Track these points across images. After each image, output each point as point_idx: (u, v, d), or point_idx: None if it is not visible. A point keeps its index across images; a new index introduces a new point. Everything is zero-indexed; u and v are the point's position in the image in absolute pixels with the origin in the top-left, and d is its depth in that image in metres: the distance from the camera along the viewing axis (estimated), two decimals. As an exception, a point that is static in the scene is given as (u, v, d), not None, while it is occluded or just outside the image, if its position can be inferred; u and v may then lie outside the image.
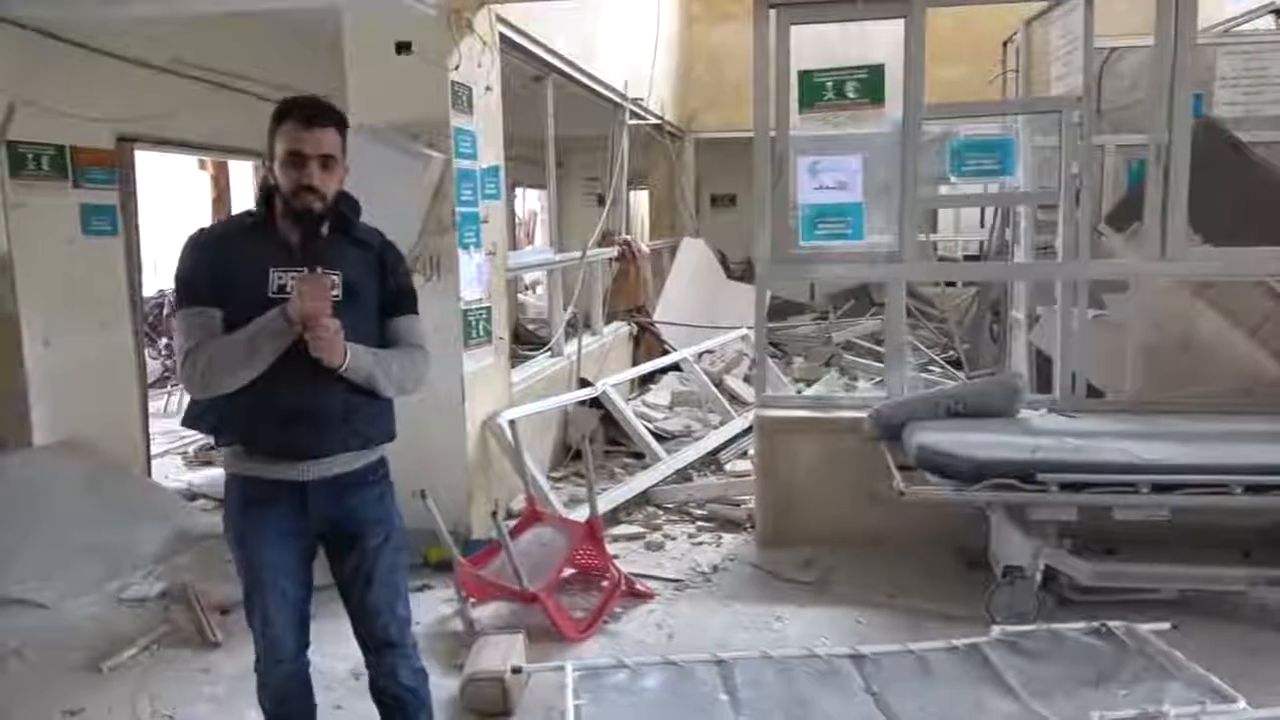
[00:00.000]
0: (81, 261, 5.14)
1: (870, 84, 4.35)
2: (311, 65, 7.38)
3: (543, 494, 4.37)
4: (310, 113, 2.14)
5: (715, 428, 6.49)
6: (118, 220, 5.39)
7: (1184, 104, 4.06)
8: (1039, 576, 3.51)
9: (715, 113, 11.07)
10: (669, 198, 11.11)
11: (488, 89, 4.57)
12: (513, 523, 4.07)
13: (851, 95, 4.37)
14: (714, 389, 6.59)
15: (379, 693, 2.43)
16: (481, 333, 4.58)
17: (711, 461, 5.82)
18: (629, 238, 8.01)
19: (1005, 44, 5.91)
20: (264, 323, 2.08)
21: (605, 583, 3.90)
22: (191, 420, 2.40)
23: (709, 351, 7.89)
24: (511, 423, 4.13)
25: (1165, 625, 3.02)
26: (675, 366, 7.99)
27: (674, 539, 4.62)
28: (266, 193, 2.23)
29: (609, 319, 7.68)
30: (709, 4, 11.16)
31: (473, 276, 4.45)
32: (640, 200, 13.08)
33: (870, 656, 3.01)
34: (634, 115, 7.96)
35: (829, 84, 4.39)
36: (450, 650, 3.49)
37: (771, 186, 4.45)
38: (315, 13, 4.36)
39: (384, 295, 2.29)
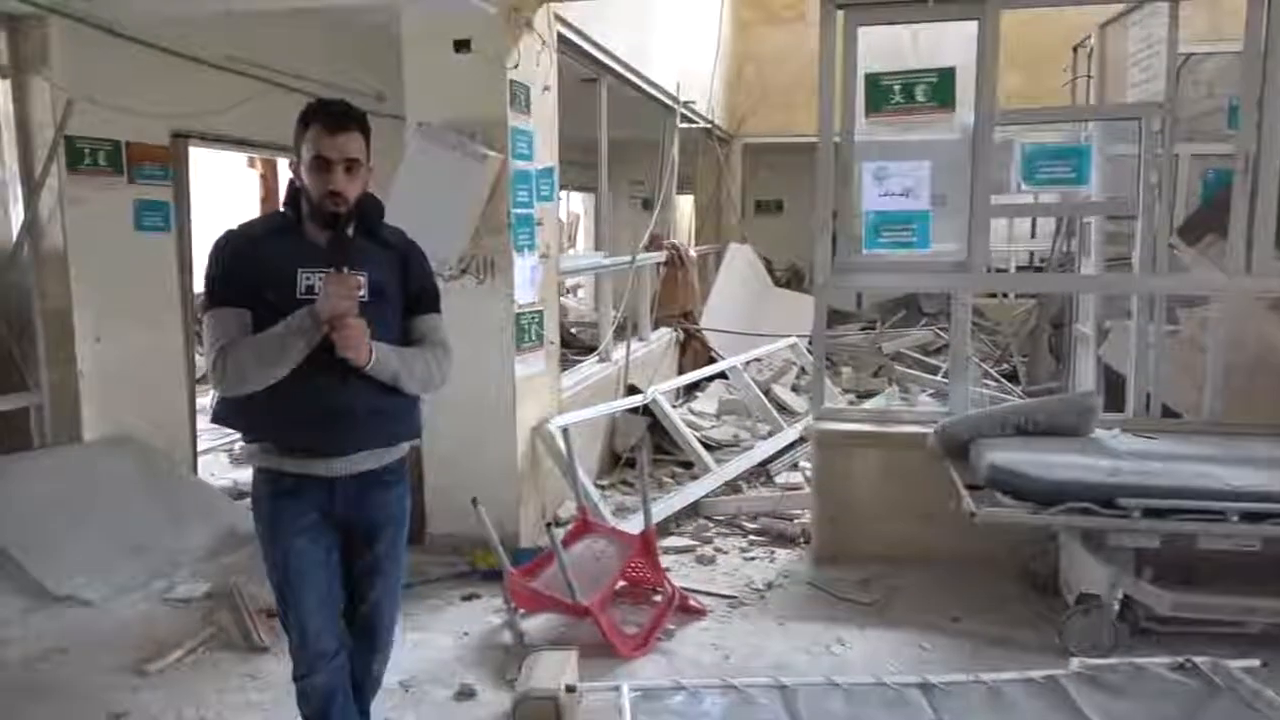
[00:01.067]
0: (134, 258, 5.13)
1: (940, 87, 4.20)
2: (365, 63, 7.39)
3: (593, 504, 4.26)
4: (335, 118, 2.17)
5: (764, 438, 6.35)
6: (170, 217, 5.38)
7: (1275, 111, 3.87)
8: (1116, 606, 3.34)
9: (763, 117, 10.94)
10: (714, 202, 10.99)
11: (546, 89, 4.49)
12: (562, 532, 3.96)
13: (921, 99, 4.22)
14: (764, 399, 6.44)
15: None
16: (534, 337, 4.49)
17: (761, 473, 5.68)
18: (677, 242, 7.90)
19: (1075, 49, 5.72)
20: (293, 322, 2.11)
21: (658, 598, 3.79)
22: (221, 417, 2.36)
23: (755, 360, 7.75)
24: (565, 430, 4.03)
25: (1255, 662, 2.85)
26: (721, 374, 7.88)
27: (725, 553, 4.49)
28: (294, 194, 2.27)
29: (655, 325, 7.57)
30: (760, 7, 11.04)
31: (526, 279, 4.36)
32: (684, 205, 12.97)
33: (941, 686, 2.86)
34: (684, 119, 7.86)
35: (897, 87, 4.24)
36: (499, 663, 3.40)
37: (835, 192, 4.30)
38: (373, 10, 4.30)
39: (408, 295, 2.33)
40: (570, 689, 2.84)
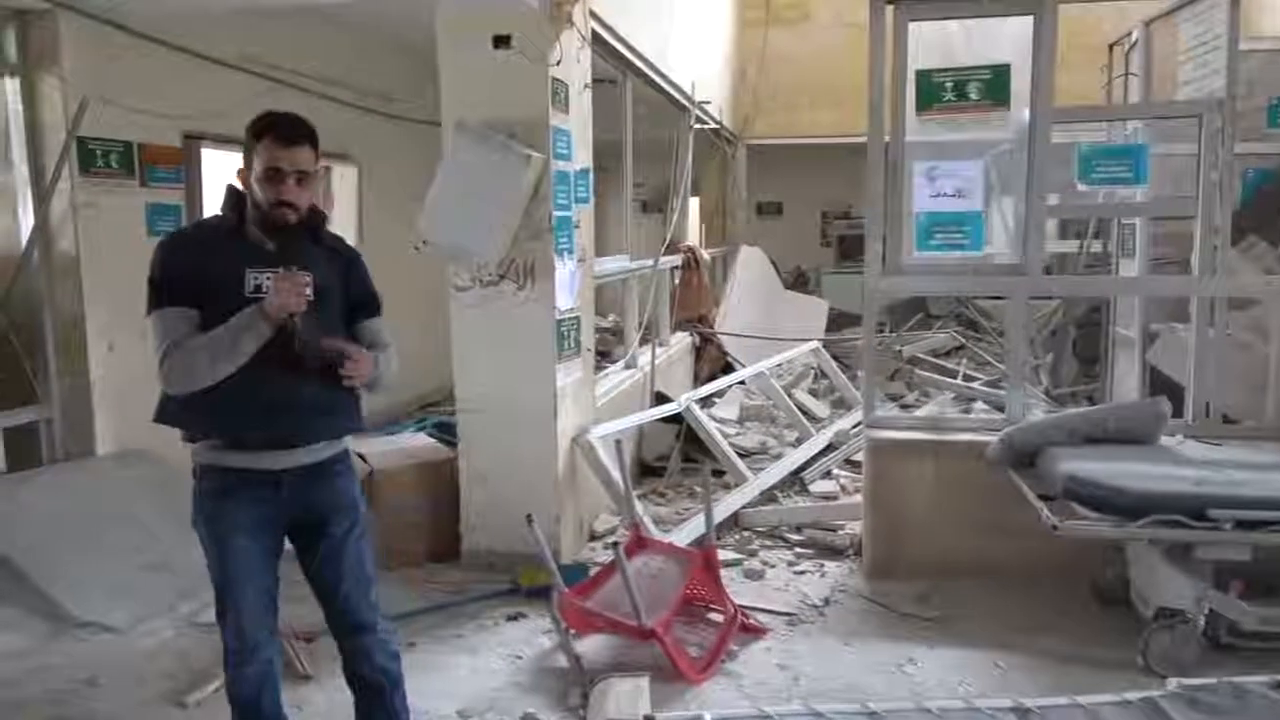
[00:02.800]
0: (146, 264, 4.89)
1: (995, 84, 4.07)
2: (374, 64, 7.22)
3: (640, 518, 4.09)
4: (288, 132, 2.27)
5: (792, 445, 6.21)
6: (183, 221, 5.17)
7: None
8: (1202, 621, 3.21)
9: (767, 119, 10.81)
10: (720, 205, 10.85)
11: (586, 86, 4.33)
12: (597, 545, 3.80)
13: (974, 96, 4.09)
14: (793, 406, 6.29)
15: (353, 677, 2.51)
16: (572, 344, 4.32)
17: (793, 481, 5.53)
18: (692, 245, 7.74)
19: (1112, 47, 5.62)
20: (243, 319, 2.18)
21: (712, 615, 3.64)
22: (167, 416, 2.34)
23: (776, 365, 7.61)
24: (617, 442, 3.86)
25: (1358, 681, 2.72)
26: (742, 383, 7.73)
27: (773, 566, 4.34)
28: (236, 199, 2.34)
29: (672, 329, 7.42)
30: (763, 7, 10.91)
31: (566, 284, 4.19)
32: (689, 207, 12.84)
33: (1036, 710, 2.70)
34: (697, 120, 7.71)
35: (949, 84, 4.11)
36: (559, 689, 3.23)
37: (885, 193, 4.17)
38: (407, 3, 4.13)
39: (351, 298, 2.45)
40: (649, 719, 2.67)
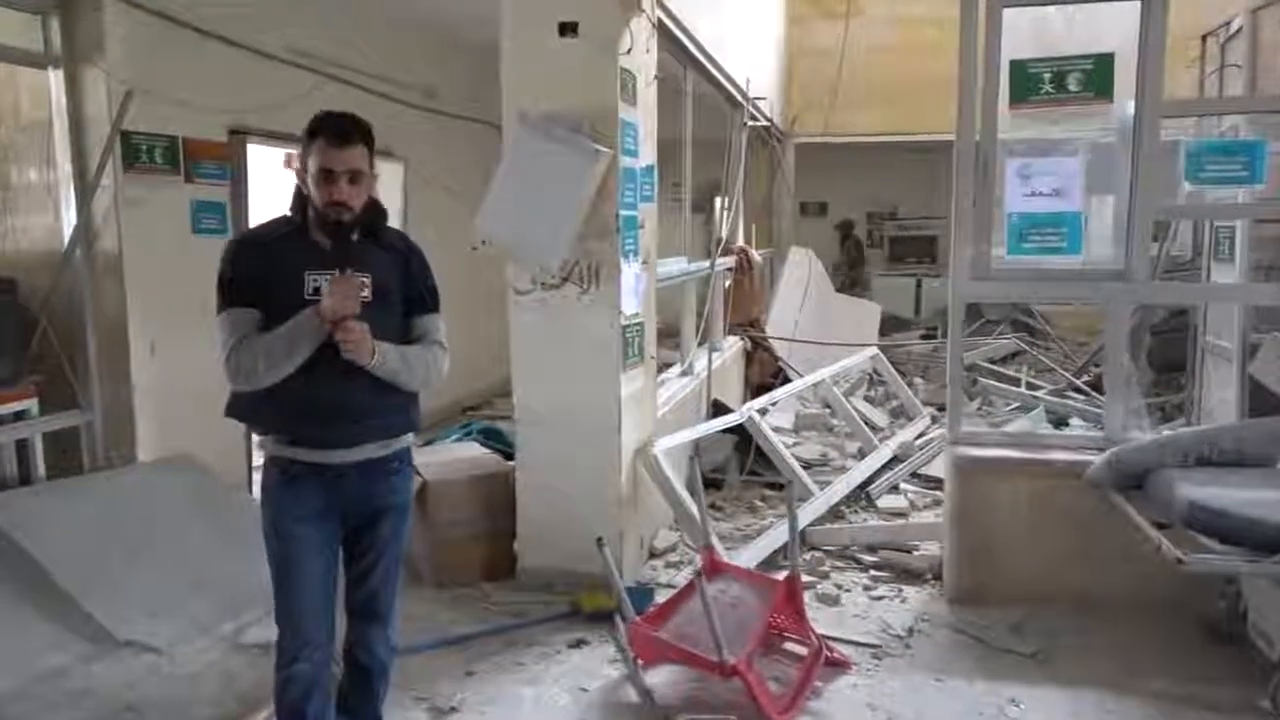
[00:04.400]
0: (190, 263, 4.72)
1: (1097, 75, 3.77)
2: (421, 58, 7.03)
3: (714, 540, 3.82)
4: (340, 132, 2.28)
5: (854, 456, 5.93)
6: (228, 219, 5.00)
7: None
8: (1341, 665, 2.91)
9: (815, 116, 10.51)
10: (767, 204, 10.56)
11: (658, 78, 4.08)
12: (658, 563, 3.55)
13: (1074, 89, 3.79)
14: (857, 417, 6.00)
15: (350, 656, 2.57)
16: (636, 351, 4.08)
17: (858, 495, 5.25)
18: (745, 246, 7.47)
19: (1205, 38, 5.28)
20: (299, 320, 2.23)
21: (790, 645, 3.37)
22: (234, 411, 2.43)
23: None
24: (693, 456, 3.60)
25: None
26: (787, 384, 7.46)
27: (847, 590, 4.07)
28: (300, 200, 2.38)
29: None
30: (815, 2, 10.61)
31: (631, 288, 3.95)
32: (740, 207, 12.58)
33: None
34: (750, 116, 7.43)
35: (1047, 75, 3.81)
36: (632, 728, 2.98)
37: (975, 192, 3.88)
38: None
39: (410, 295, 2.46)
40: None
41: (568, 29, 3.70)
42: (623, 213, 3.84)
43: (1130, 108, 3.78)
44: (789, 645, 3.44)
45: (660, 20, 4.48)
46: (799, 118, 10.46)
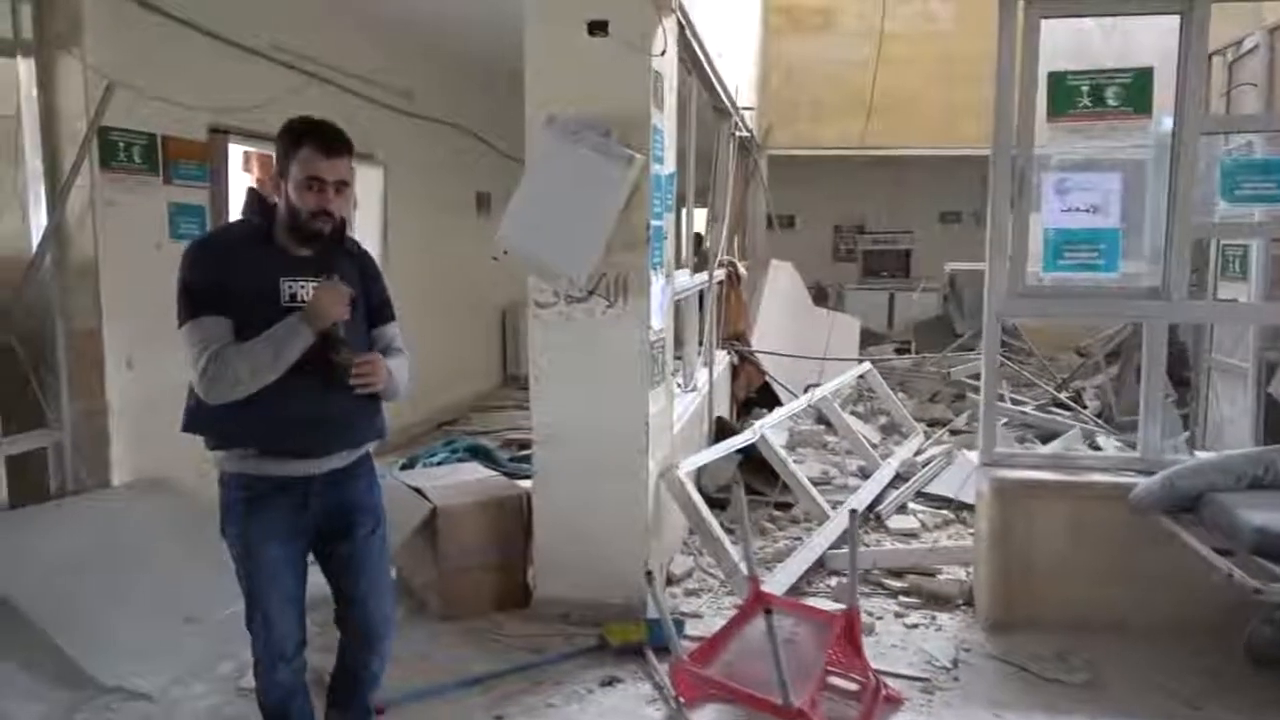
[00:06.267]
0: (168, 270, 4.37)
1: (1135, 90, 3.70)
2: (398, 61, 6.75)
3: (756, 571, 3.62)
4: (329, 141, 2.25)
5: (855, 474, 5.81)
6: (207, 223, 4.67)
7: None
8: None
9: (788, 128, 10.47)
10: (740, 217, 10.44)
11: (690, 75, 3.88)
12: (680, 591, 3.34)
13: (1112, 103, 3.72)
14: (860, 436, 5.88)
15: (342, 668, 2.55)
16: (660, 369, 3.87)
17: (868, 516, 5.11)
18: (733, 259, 7.33)
19: (1211, 56, 5.29)
20: (286, 328, 2.18)
21: (841, 679, 3.19)
22: (197, 425, 2.28)
23: (816, 385, 7.21)
24: (737, 480, 3.40)
25: None
26: (777, 401, 7.33)
27: (880, 618, 3.91)
28: (261, 204, 2.32)
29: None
30: (788, 14, 10.57)
31: (659, 302, 3.75)
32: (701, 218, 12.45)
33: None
34: (736, 126, 7.30)
35: (1085, 88, 3.73)
36: (686, 777, 2.77)
37: (1012, 206, 3.78)
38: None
39: (369, 301, 2.43)
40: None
41: (597, 28, 3.50)
42: (653, 223, 3.64)
43: (1168, 123, 3.72)
44: (835, 680, 3.26)
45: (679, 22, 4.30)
46: (772, 129, 10.38)
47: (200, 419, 2.26)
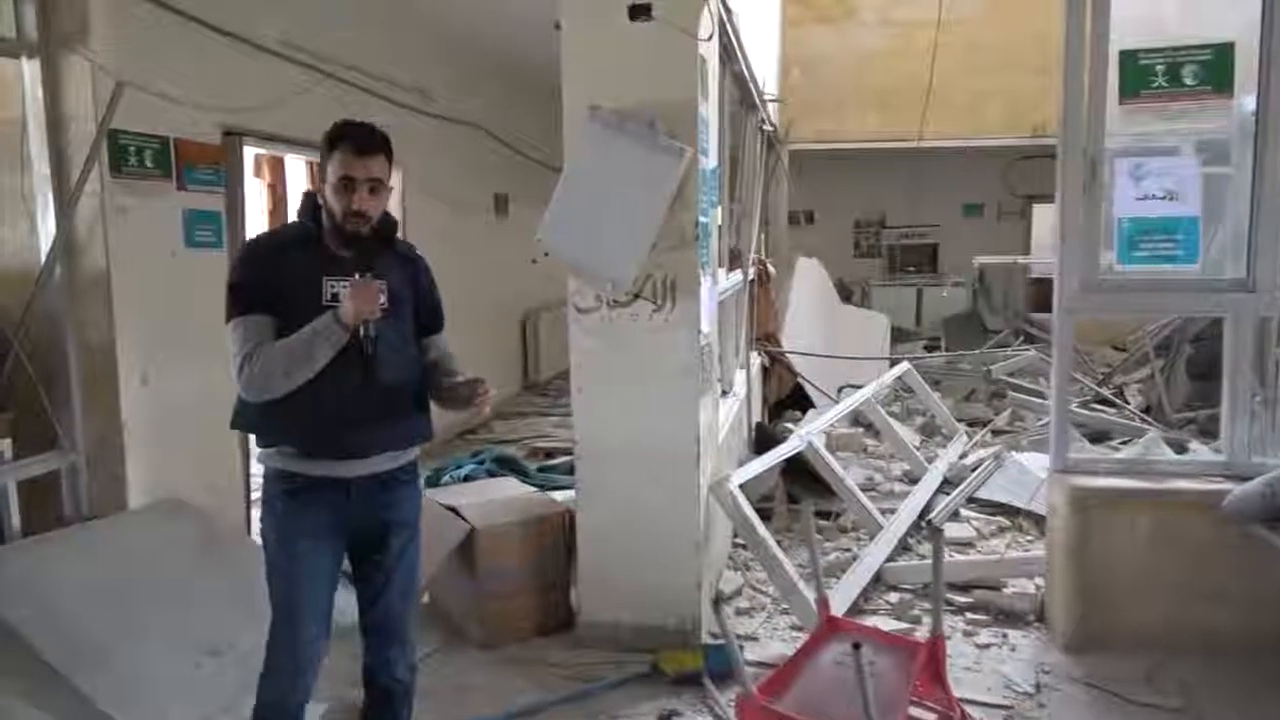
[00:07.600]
0: (184, 280, 4.18)
1: (1215, 67, 3.45)
2: (415, 59, 6.53)
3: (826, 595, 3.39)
4: (361, 142, 2.25)
5: (900, 479, 5.57)
6: (223, 230, 4.45)
7: None
8: None
9: (810, 122, 10.21)
10: (762, 212, 10.19)
11: (724, 66, 3.64)
12: (731, 611, 3.10)
13: (1189, 82, 3.46)
14: (904, 440, 5.63)
15: (371, 679, 2.47)
16: (708, 375, 3.63)
17: (920, 524, 4.86)
18: (762, 257, 7.09)
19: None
20: (318, 325, 2.18)
21: (917, 709, 2.95)
22: (242, 422, 2.29)
23: (852, 386, 6.97)
24: (793, 500, 3.16)
25: None
26: (809, 403, 7.09)
27: (947, 637, 3.62)
28: (313, 207, 2.34)
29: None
30: (808, 4, 10.32)
31: (708, 305, 3.51)
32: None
33: None
34: (762, 120, 7.06)
35: (1159, 67, 3.48)
36: (763, 825, 2.53)
37: (1083, 194, 3.53)
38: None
39: (421, 307, 2.44)
40: None
41: (640, 11, 3.25)
42: (701, 220, 3.41)
43: (1250, 102, 3.46)
44: (913, 709, 3.02)
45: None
46: (794, 123, 10.13)
47: (245, 416, 2.30)
